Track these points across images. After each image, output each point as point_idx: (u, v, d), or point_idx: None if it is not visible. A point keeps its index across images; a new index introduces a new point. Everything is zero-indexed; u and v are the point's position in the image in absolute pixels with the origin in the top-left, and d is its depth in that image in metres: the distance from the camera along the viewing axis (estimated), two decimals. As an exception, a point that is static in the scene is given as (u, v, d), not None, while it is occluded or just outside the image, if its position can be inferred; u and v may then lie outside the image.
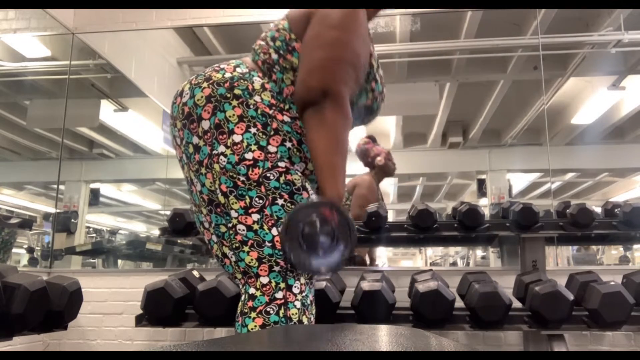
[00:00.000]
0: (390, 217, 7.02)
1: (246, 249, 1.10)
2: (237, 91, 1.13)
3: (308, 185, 1.15)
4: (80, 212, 4.16)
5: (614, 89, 4.72)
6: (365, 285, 1.78)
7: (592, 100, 5.13)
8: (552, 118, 5.38)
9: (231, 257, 1.15)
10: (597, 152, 6.02)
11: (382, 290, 1.75)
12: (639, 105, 5.12)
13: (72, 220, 3.90)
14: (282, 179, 1.10)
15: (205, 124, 1.12)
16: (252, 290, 1.11)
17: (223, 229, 1.15)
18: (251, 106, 1.12)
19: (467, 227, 2.13)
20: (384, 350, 0.47)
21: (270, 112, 1.13)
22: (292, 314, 1.08)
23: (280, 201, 1.09)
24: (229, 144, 1.10)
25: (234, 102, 1.12)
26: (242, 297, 1.13)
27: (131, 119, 4.56)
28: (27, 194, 5.16)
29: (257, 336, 0.80)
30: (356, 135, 3.27)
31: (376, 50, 1.28)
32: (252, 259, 1.10)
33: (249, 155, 1.09)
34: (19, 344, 2.29)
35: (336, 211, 0.97)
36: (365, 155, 3.01)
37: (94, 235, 5.20)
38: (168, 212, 2.28)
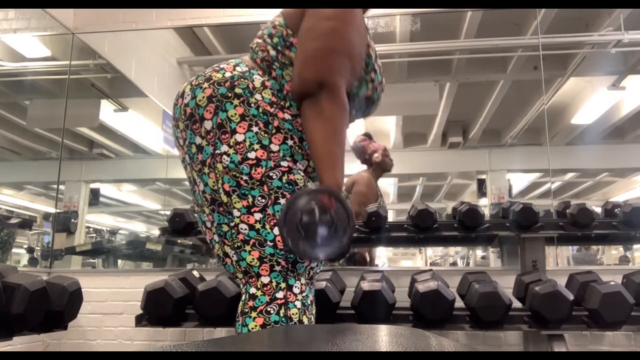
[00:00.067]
0: (390, 217, 7.02)
1: (248, 248, 1.10)
2: (238, 90, 1.13)
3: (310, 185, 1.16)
4: (80, 212, 4.16)
5: (614, 89, 4.72)
6: (365, 285, 1.78)
7: (592, 100, 5.13)
8: (552, 118, 5.38)
9: (232, 256, 1.15)
10: (597, 152, 6.02)
11: (382, 290, 1.75)
12: (639, 105, 5.12)
13: (72, 220, 3.90)
14: (284, 178, 1.10)
15: (208, 124, 1.12)
16: (252, 290, 1.11)
17: (225, 228, 1.15)
18: (252, 105, 1.12)
19: (467, 227, 2.13)
20: (384, 350, 0.47)
21: (272, 110, 1.13)
22: (293, 314, 1.08)
23: (282, 201, 1.09)
24: (231, 144, 1.10)
25: (236, 101, 1.12)
26: (243, 297, 1.13)
27: (131, 119, 4.56)
28: (27, 194, 5.16)
29: (257, 336, 0.80)
30: (353, 133, 3.27)
31: (376, 51, 1.29)
32: (253, 259, 1.10)
33: (251, 155, 1.09)
34: (19, 344, 2.29)
35: (334, 198, 0.96)
36: (362, 153, 3.01)
37: (94, 235, 5.20)
38: (168, 212, 2.28)
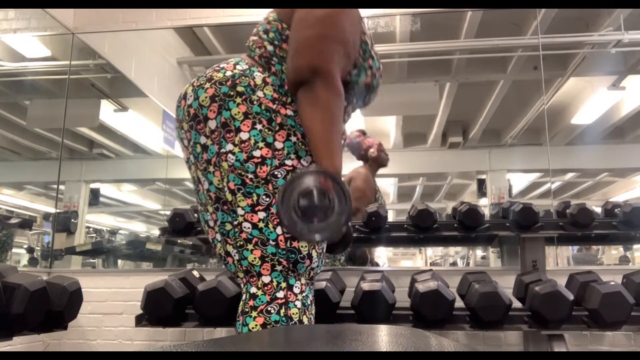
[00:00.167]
0: (390, 217, 7.01)
1: (250, 247, 1.10)
2: (239, 88, 1.14)
3: None
4: (80, 212, 4.16)
5: (614, 89, 4.72)
6: (365, 285, 1.77)
7: (592, 100, 5.13)
8: (552, 118, 5.37)
9: (234, 255, 1.16)
10: (597, 152, 6.02)
11: (382, 290, 1.75)
12: (639, 105, 5.12)
13: (72, 220, 3.89)
14: (289, 177, 1.10)
15: (212, 124, 1.13)
16: (253, 290, 1.11)
17: (228, 226, 1.16)
18: (255, 102, 1.13)
19: (467, 227, 2.13)
20: (384, 350, 0.47)
21: (274, 106, 1.14)
22: (293, 314, 1.09)
23: None
24: (236, 142, 1.10)
25: (238, 100, 1.12)
26: (244, 296, 1.13)
27: (131, 119, 4.56)
28: (27, 194, 5.16)
29: (257, 336, 0.80)
30: (347, 129, 3.28)
31: (372, 38, 1.29)
32: (255, 257, 1.10)
33: (257, 153, 1.09)
34: (19, 344, 2.29)
35: (332, 179, 0.95)
36: (357, 148, 3.02)
37: (94, 235, 5.20)
38: (168, 212, 2.28)
